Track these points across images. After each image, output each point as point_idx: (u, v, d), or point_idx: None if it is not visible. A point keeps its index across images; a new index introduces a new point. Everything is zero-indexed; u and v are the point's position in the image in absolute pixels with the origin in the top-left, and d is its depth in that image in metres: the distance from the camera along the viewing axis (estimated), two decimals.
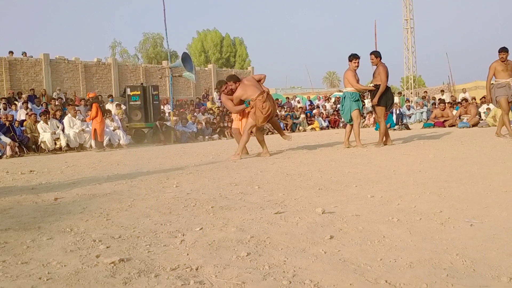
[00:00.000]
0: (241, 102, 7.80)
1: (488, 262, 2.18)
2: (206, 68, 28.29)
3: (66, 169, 7.06)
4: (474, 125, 15.31)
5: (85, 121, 12.81)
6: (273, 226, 2.99)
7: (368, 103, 8.71)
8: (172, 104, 15.72)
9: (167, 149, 11.44)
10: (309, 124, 20.12)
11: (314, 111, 21.63)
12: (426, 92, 27.59)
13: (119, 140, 13.41)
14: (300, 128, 19.57)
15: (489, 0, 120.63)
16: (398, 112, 18.12)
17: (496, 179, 4.42)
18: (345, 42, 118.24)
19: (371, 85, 8.80)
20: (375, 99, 8.59)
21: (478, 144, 8.22)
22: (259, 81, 7.92)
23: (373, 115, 18.21)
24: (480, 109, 17.46)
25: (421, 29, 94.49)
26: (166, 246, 2.64)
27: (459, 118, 16.11)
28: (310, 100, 25.42)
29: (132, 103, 14.98)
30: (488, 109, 16.93)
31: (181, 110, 18.07)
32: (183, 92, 25.33)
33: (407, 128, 16.38)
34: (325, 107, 23.24)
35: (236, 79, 7.86)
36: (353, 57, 8.70)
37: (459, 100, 19.10)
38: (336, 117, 21.22)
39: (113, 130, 13.40)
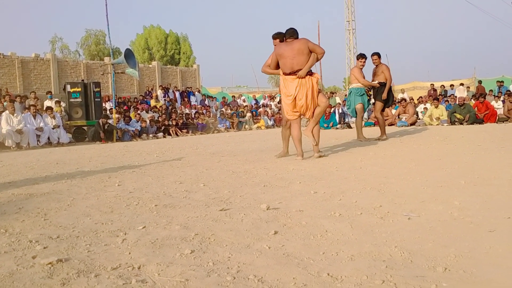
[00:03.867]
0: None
1: (425, 253, 2.27)
2: (150, 65, 27.80)
3: (1, 169, 6.72)
4: (412, 124, 15.93)
5: None
6: (218, 223, 2.98)
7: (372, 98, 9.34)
8: (114, 101, 15.31)
9: (109, 147, 11.15)
10: (255, 123, 20.22)
11: (260, 110, 21.77)
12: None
13: (58, 139, 12.92)
14: (246, 126, 19.64)
15: (427, 4, 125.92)
16: (340, 111, 18.54)
17: (432, 175, 4.62)
18: None
19: (376, 82, 9.28)
20: (385, 94, 9.15)
21: (415, 142, 8.55)
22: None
23: None
24: (417, 109, 18.19)
25: (362, 30, 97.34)
26: (107, 245, 2.57)
27: (398, 117, 16.70)
28: (255, 99, 25.55)
29: (73, 100, 14.45)
30: (425, 108, 17.68)
31: (125, 107, 17.66)
32: (126, 89, 24.77)
33: (349, 126, 16.81)
34: (271, 106, 23.45)
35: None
36: (361, 56, 9.36)
37: (398, 100, 19.81)
38: (281, 116, 21.44)
39: (53, 128, 12.90)
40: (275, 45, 6.50)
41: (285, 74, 6.33)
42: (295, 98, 6.28)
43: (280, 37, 6.48)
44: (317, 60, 6.34)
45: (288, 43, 6.31)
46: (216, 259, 2.29)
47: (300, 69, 6.20)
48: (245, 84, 51.45)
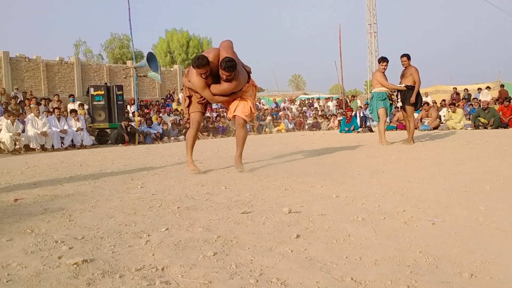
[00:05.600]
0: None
1: (450, 259, 2.24)
2: (171, 69, 28.06)
3: (26, 170, 6.85)
4: (435, 127, 15.74)
5: None
6: (240, 226, 2.99)
7: (399, 102, 9.26)
8: (136, 104, 15.50)
9: (132, 150, 11.27)
10: (275, 126, 20.22)
11: (280, 113, 21.76)
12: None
13: (82, 141, 13.13)
14: (267, 129, 19.64)
15: (450, 7, 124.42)
16: (362, 115, 18.43)
17: (456, 179, 4.55)
18: (310, 46, 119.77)
19: (403, 85, 9.14)
20: (413, 97, 9.00)
21: (439, 146, 8.44)
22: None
23: (337, 115, 18.51)
24: (440, 113, 17.94)
25: (384, 33, 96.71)
26: (131, 246, 2.60)
27: (421, 121, 16.52)
28: (276, 102, 25.55)
29: (96, 103, 14.69)
30: (448, 112, 17.43)
31: (147, 111, 17.84)
32: (148, 93, 25.06)
33: (370, 130, 16.70)
34: (291, 109, 23.44)
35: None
36: (382, 59, 9.27)
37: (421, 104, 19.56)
38: (302, 119, 21.41)
39: (76, 131, 13.11)
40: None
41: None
42: None
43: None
44: None
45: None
46: (239, 261, 2.29)
47: None
48: (266, 87, 51.48)
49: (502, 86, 22.43)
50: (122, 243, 2.66)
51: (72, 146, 12.87)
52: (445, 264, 2.17)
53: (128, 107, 18.16)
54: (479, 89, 22.98)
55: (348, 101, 24.82)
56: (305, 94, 37.87)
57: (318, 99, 27.18)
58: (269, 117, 20.40)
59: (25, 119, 12.52)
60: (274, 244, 2.57)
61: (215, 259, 2.34)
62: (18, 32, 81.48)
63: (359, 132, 16.59)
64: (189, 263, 2.27)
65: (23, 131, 12.02)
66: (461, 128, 15.34)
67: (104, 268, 2.22)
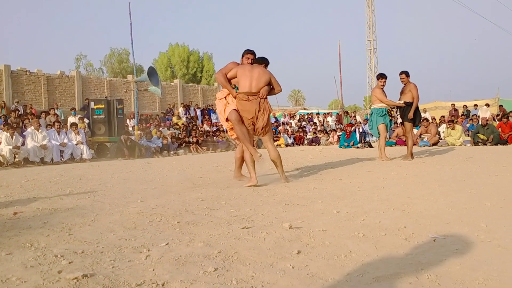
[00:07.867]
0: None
1: (452, 276, 2.23)
2: (172, 83, 28.16)
3: (26, 183, 6.83)
4: (434, 144, 15.74)
5: None
6: (241, 241, 2.98)
7: (398, 117, 9.31)
8: (137, 118, 15.52)
9: (131, 164, 11.25)
10: (274, 141, 20.18)
11: (279, 128, 21.77)
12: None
13: (81, 154, 13.11)
14: None
15: (449, 24, 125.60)
16: (361, 130, 18.45)
17: (456, 196, 4.55)
18: (310, 61, 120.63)
19: (402, 102, 9.22)
20: (411, 113, 9.06)
21: (438, 162, 8.44)
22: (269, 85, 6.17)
23: (336, 134, 18.56)
24: (439, 129, 17.97)
25: (383, 50, 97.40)
26: (131, 261, 2.58)
27: (420, 137, 16.52)
28: (275, 117, 25.59)
29: (96, 116, 14.70)
30: (447, 127, 17.47)
31: (147, 125, 17.85)
32: (148, 107, 25.10)
33: (370, 146, 16.71)
34: (290, 124, 23.46)
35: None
36: (381, 76, 9.38)
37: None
38: (301, 134, 21.43)
39: (76, 144, 13.10)
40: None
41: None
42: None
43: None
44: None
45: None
46: (240, 277, 2.28)
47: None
48: None
49: (500, 106, 22.49)
50: (122, 258, 2.65)
51: (72, 159, 12.85)
52: (447, 281, 2.16)
53: (128, 121, 18.18)
54: (475, 105, 23.03)
55: (346, 115, 24.86)
56: (305, 109, 37.94)
57: (318, 114, 27.24)
58: None
59: (24, 132, 12.52)
60: (275, 260, 2.56)
61: (215, 274, 2.33)
62: (19, 46, 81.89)
63: (358, 147, 16.60)
64: (190, 279, 2.26)
65: (23, 144, 12.01)
66: (460, 145, 15.36)
67: (104, 283, 2.21)
